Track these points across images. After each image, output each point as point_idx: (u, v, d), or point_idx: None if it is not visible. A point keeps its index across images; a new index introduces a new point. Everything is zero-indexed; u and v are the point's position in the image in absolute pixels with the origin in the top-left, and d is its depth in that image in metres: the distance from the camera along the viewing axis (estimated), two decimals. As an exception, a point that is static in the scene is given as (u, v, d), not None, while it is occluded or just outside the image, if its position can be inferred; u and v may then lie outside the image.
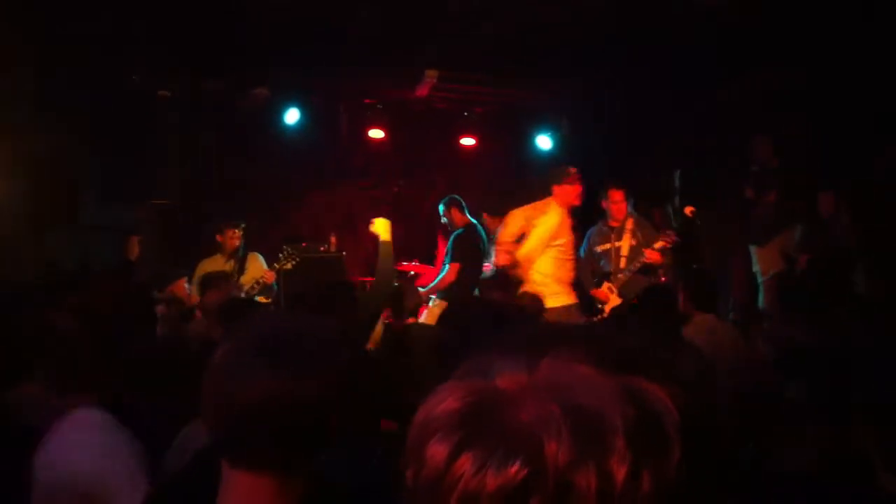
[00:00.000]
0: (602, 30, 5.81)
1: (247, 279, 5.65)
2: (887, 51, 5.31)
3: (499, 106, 8.08)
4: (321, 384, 1.11)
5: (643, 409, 0.55)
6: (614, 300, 5.38)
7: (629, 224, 5.56)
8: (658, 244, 5.35)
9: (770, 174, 6.44)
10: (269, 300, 5.61)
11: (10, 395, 2.38)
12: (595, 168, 5.45)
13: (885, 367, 1.98)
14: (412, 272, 7.47)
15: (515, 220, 5.33)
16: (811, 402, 2.09)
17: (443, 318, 2.57)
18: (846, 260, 5.88)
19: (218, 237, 5.80)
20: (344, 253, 7.08)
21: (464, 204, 6.27)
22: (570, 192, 5.24)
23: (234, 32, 6.01)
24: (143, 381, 2.10)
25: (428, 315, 5.48)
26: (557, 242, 5.17)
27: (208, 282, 4.54)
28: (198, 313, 4.49)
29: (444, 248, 7.54)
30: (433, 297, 5.96)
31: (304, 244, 6.77)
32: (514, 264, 5.24)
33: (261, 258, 5.89)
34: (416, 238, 8.03)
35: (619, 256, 5.53)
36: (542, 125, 8.28)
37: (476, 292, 5.36)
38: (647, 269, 5.43)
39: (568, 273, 5.20)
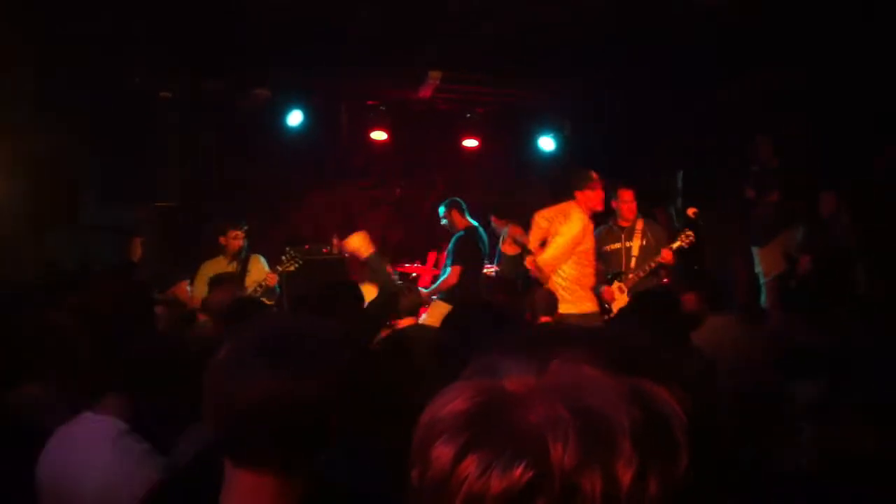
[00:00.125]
0: (602, 30, 5.81)
1: (249, 281, 5.65)
2: (887, 51, 5.31)
3: (500, 106, 8.09)
4: (321, 384, 1.12)
5: (651, 412, 0.55)
6: (622, 300, 5.36)
7: (639, 224, 5.55)
8: (676, 244, 5.34)
9: (770, 174, 6.44)
10: (273, 302, 5.61)
11: (11, 396, 2.37)
12: (596, 168, 5.45)
13: (885, 367, 1.98)
14: (414, 274, 7.47)
15: (539, 225, 5.32)
16: (812, 402, 2.09)
17: (446, 319, 2.57)
18: (846, 260, 5.89)
19: (220, 239, 5.79)
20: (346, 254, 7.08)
21: (464, 206, 6.26)
22: (592, 197, 5.20)
23: (234, 32, 6.01)
24: (143, 381, 2.10)
25: (428, 316, 5.47)
26: (581, 248, 5.14)
27: (218, 282, 4.53)
28: (199, 316, 4.49)
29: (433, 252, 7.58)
30: (434, 297, 5.96)
31: (306, 246, 6.78)
32: (539, 271, 5.24)
33: (263, 260, 5.89)
34: (417, 239, 8.04)
35: (629, 256, 5.52)
36: (543, 126, 8.28)
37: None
38: (655, 271, 5.43)
39: (591, 278, 5.19)
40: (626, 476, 0.52)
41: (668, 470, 0.54)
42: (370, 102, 7.82)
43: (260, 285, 5.48)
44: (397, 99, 7.82)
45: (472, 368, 0.62)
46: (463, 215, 6.20)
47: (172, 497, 1.32)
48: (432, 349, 2.04)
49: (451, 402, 0.58)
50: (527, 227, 6.59)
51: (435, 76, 7.07)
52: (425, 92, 7.43)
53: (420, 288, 6.02)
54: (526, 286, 5.70)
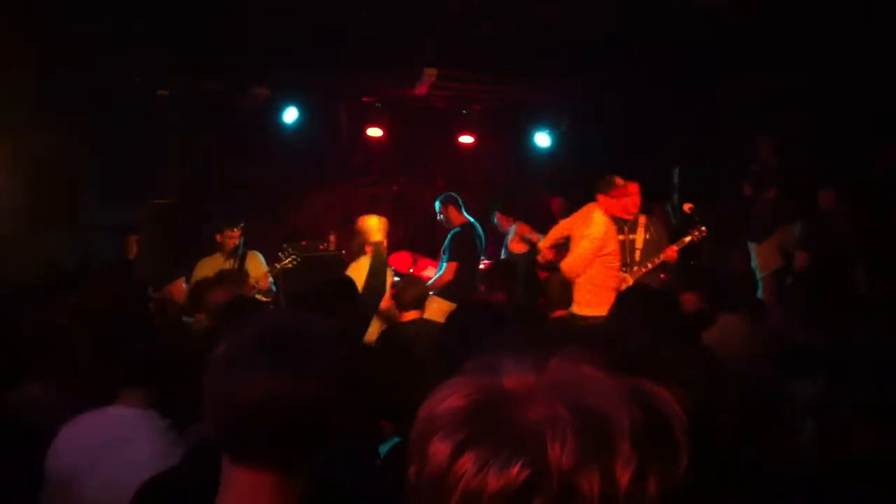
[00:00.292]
0: (602, 30, 5.81)
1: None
2: (887, 51, 5.31)
3: (498, 103, 8.09)
4: (321, 384, 1.11)
5: (651, 412, 0.55)
6: None
7: (642, 219, 5.55)
8: (687, 238, 5.33)
9: (770, 171, 6.45)
10: (269, 299, 5.61)
11: (11, 395, 2.37)
12: (595, 168, 5.45)
13: (885, 366, 1.98)
14: (410, 270, 7.46)
15: (563, 225, 5.35)
16: (812, 401, 2.09)
17: (448, 319, 2.57)
18: (845, 256, 5.89)
19: (217, 236, 5.80)
20: (343, 251, 7.07)
21: (461, 202, 6.24)
22: (615, 204, 5.16)
23: (234, 32, 6.01)
24: (142, 380, 2.10)
25: (425, 312, 5.47)
26: (605, 252, 5.14)
27: (221, 279, 4.53)
28: (197, 315, 4.48)
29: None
30: (430, 293, 5.96)
31: (303, 242, 6.77)
32: (550, 265, 5.24)
33: (260, 257, 5.89)
34: (416, 236, 8.04)
35: (633, 249, 5.50)
36: (540, 123, 8.29)
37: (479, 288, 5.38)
38: (659, 267, 5.43)
39: (615, 280, 5.18)
40: (624, 476, 0.52)
41: (668, 470, 0.53)
42: (366, 99, 7.82)
43: (253, 287, 5.48)
44: (394, 97, 7.82)
45: (470, 365, 0.62)
46: (460, 211, 6.19)
47: (167, 494, 1.31)
48: (432, 348, 2.04)
49: (449, 397, 0.58)
50: (531, 223, 6.61)
51: (431, 73, 7.07)
52: (421, 89, 7.43)
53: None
54: (532, 281, 5.72)
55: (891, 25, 5.11)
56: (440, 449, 0.56)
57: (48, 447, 1.97)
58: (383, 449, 2.24)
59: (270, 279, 5.69)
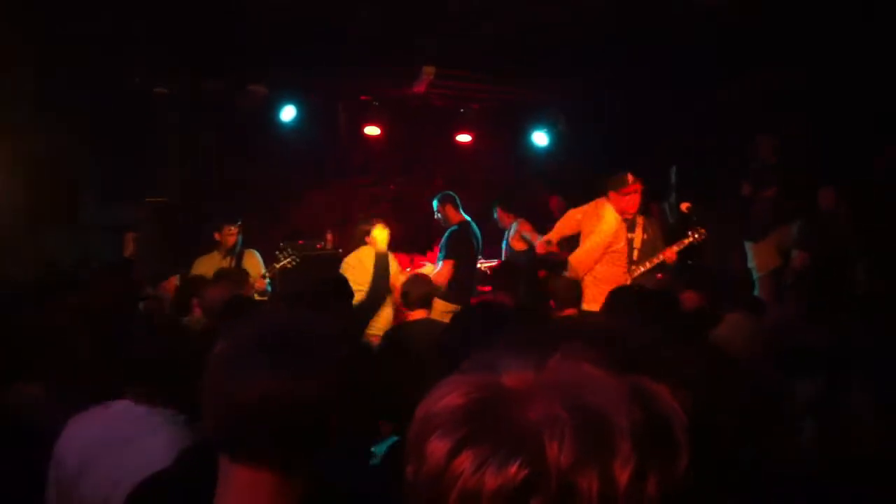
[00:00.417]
0: (602, 30, 5.81)
1: None
2: (887, 51, 5.31)
3: (496, 102, 8.09)
4: (321, 384, 1.11)
5: (651, 412, 0.55)
6: None
7: (640, 219, 5.55)
8: (687, 240, 5.32)
9: (769, 170, 6.45)
10: (266, 298, 5.61)
11: (10, 395, 2.37)
12: (595, 167, 5.44)
13: (885, 366, 1.97)
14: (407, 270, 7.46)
15: (572, 216, 5.31)
16: (812, 401, 2.09)
17: (451, 319, 2.57)
18: (844, 256, 5.89)
19: (215, 235, 5.80)
20: (341, 250, 7.08)
21: (458, 201, 6.24)
22: (624, 201, 5.14)
23: (234, 32, 6.01)
24: (142, 380, 2.09)
25: None
26: (614, 248, 5.12)
27: (220, 277, 4.52)
28: (196, 311, 4.48)
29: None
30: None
31: (300, 241, 6.77)
32: (552, 260, 5.23)
33: (257, 255, 5.89)
34: (415, 235, 8.04)
35: (632, 248, 5.51)
36: (539, 121, 8.29)
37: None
38: (657, 267, 5.43)
39: (624, 277, 5.17)
40: (623, 476, 0.52)
41: (668, 470, 0.53)
42: (364, 98, 7.81)
43: (251, 287, 5.47)
44: (392, 95, 7.81)
45: (469, 363, 0.61)
46: (457, 209, 6.19)
47: (162, 494, 1.31)
48: (432, 349, 2.03)
49: (448, 395, 0.58)
50: (530, 221, 6.61)
51: (429, 71, 7.07)
52: (419, 87, 7.43)
53: None
54: (534, 279, 5.71)
55: (891, 25, 5.11)
56: (438, 447, 0.55)
57: (48, 447, 1.96)
58: (379, 449, 2.24)
59: (267, 281, 5.69)
